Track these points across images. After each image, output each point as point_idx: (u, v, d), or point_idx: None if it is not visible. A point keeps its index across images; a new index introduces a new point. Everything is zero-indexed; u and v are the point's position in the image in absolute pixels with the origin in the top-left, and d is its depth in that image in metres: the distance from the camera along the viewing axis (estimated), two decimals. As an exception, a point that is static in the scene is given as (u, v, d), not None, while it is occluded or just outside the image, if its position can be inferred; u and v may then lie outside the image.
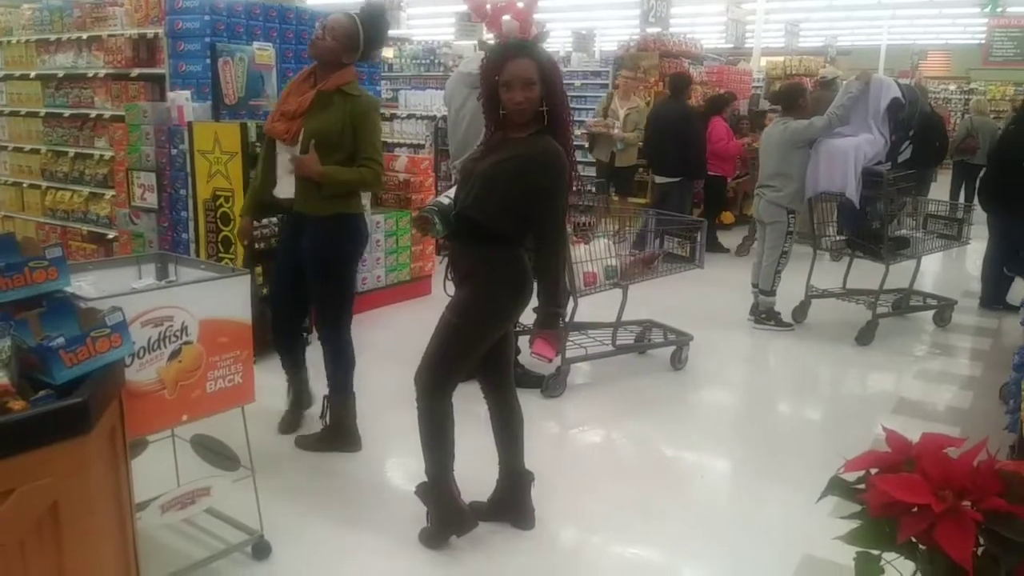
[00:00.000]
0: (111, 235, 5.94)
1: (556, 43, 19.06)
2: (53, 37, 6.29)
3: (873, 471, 1.62)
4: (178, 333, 2.38)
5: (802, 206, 5.52)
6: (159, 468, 2.85)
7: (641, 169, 8.63)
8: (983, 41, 18.25)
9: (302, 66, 5.63)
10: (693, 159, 7.34)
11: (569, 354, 4.43)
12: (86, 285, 2.48)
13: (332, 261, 3.47)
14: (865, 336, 5.31)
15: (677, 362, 4.78)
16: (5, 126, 6.93)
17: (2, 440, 1.68)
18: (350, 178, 3.35)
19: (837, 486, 1.65)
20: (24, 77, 6.60)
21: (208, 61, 4.88)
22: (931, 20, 20.98)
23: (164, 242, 5.02)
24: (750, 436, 4.05)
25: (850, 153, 5.14)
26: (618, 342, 4.63)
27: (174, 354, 2.37)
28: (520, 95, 2.53)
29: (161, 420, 2.42)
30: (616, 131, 7.97)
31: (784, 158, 5.37)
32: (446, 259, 2.89)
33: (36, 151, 6.69)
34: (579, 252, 4.35)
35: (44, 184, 6.65)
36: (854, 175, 5.14)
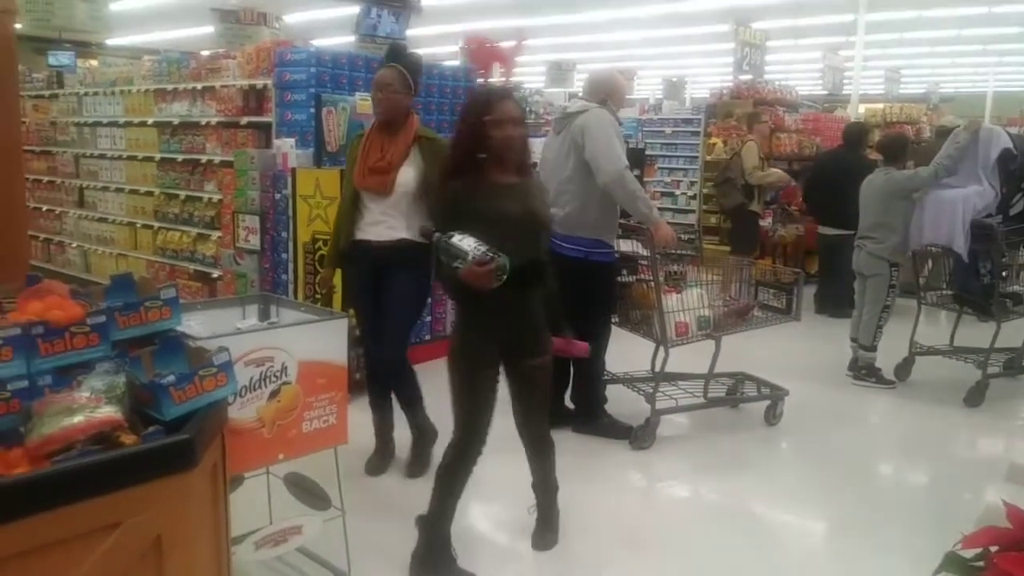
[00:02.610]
0: (216, 274, 6.21)
1: (646, 90, 19.15)
2: (170, 87, 6.70)
3: (993, 548, 1.51)
4: (278, 373, 2.45)
5: (905, 259, 5.32)
6: (253, 504, 2.92)
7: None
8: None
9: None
10: None
11: (659, 405, 4.35)
12: (195, 324, 2.59)
13: (423, 287, 3.73)
14: (974, 397, 5.02)
15: (771, 417, 4.63)
16: (123, 169, 7.37)
17: (112, 474, 1.75)
18: None
19: (953, 563, 1.55)
20: (142, 124, 7.03)
21: (312, 110, 5.10)
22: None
23: (265, 282, 5.21)
24: (848, 498, 3.87)
25: (958, 205, 4.93)
26: (710, 395, 4.52)
27: (274, 394, 2.45)
28: (512, 132, 2.68)
29: (259, 458, 2.48)
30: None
31: (886, 208, 5.19)
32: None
33: (150, 193, 7.08)
34: (671, 302, 4.29)
35: (156, 224, 7.03)
36: (962, 228, 4.92)
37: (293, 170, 4.84)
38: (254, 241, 5.20)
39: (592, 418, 4.44)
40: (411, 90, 3.62)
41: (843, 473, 4.21)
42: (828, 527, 3.64)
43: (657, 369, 4.44)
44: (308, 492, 2.84)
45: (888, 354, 5.44)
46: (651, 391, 4.37)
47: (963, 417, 4.94)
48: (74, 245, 8.15)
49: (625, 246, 4.35)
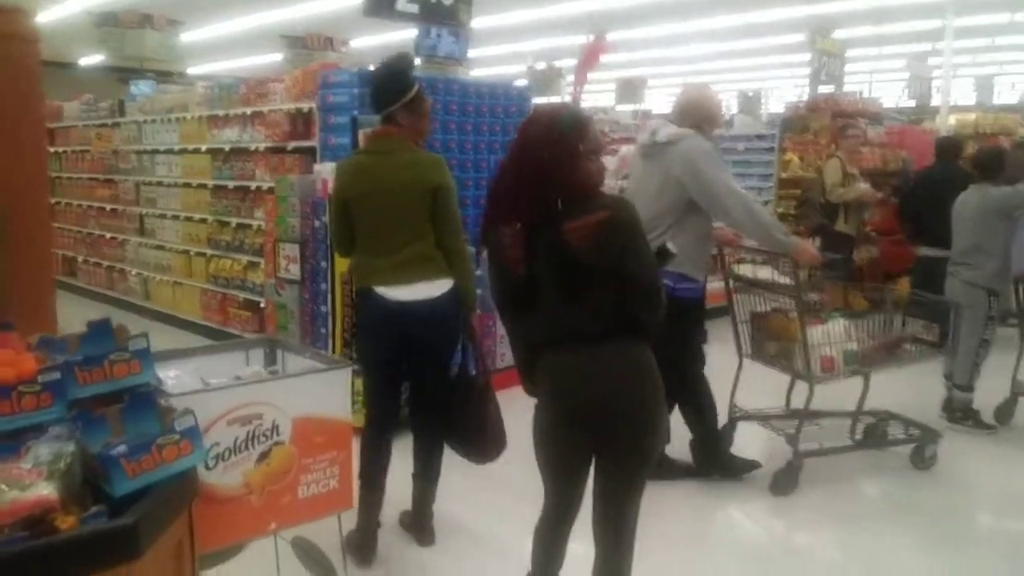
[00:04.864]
0: (263, 303, 6.05)
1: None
2: (222, 113, 6.62)
3: None
4: (268, 432, 2.17)
5: (1007, 286, 4.72)
6: (261, 566, 2.62)
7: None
8: None
9: (451, 138, 5.60)
10: None
11: (804, 447, 3.96)
12: (184, 374, 2.33)
13: None
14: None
15: (920, 461, 4.18)
16: (179, 196, 7.34)
17: (39, 565, 1.48)
18: None
19: None
20: (196, 151, 6.97)
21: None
22: None
23: (305, 313, 4.99)
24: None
25: (1068, 226, 4.35)
26: (859, 436, 4.15)
27: (263, 456, 2.16)
28: (600, 164, 2.17)
29: (245, 529, 2.19)
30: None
31: (984, 230, 4.62)
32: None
33: (204, 220, 7.02)
34: (816, 334, 3.89)
35: (209, 252, 6.95)
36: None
37: (330, 196, 4.60)
38: (294, 271, 4.99)
39: (713, 456, 4.09)
40: None
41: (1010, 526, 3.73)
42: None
43: (801, 407, 4.04)
44: (315, 561, 2.54)
45: (987, 394, 4.84)
46: (793, 431, 3.99)
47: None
48: (134, 273, 8.17)
49: (763, 272, 4.01)
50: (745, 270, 4.10)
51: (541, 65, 15.43)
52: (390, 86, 3.14)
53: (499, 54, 15.93)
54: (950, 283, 4.80)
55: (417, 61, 6.81)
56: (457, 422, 3.23)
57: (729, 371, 4.27)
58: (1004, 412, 4.91)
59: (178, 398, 1.96)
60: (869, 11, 12.27)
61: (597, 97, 18.64)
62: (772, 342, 4.05)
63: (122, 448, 1.70)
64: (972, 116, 14.87)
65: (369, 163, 3.17)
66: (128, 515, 1.61)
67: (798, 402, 4.26)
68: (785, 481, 3.93)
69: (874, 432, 4.34)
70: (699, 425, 4.03)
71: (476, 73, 12.45)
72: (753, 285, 4.07)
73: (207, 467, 2.02)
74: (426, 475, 3.37)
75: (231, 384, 2.21)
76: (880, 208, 8.27)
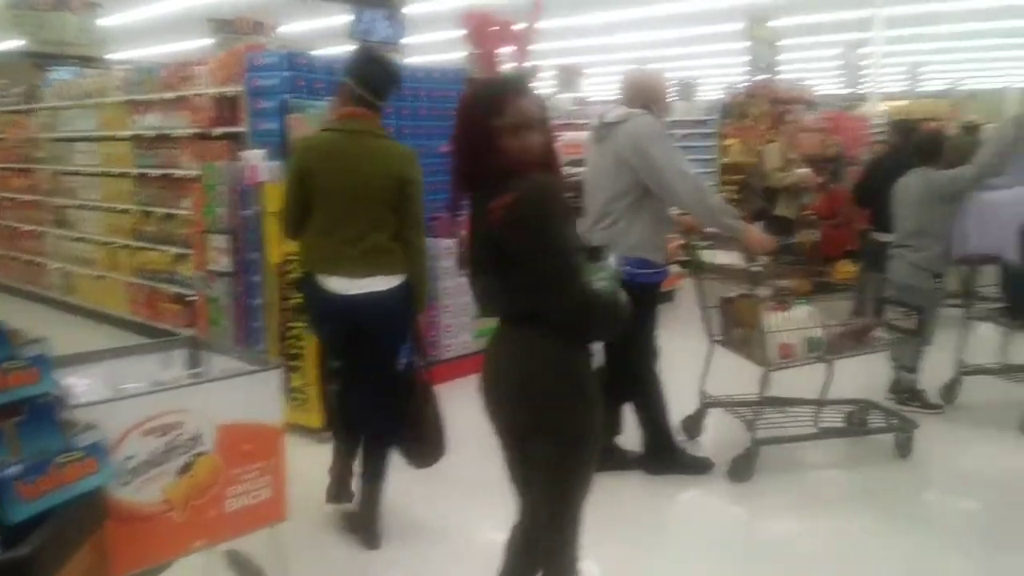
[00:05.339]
0: (193, 297, 5.75)
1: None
2: (143, 97, 6.25)
3: None
4: (190, 442, 1.96)
5: (949, 268, 4.75)
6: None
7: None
8: None
9: (388, 123, 5.36)
10: None
11: (762, 434, 3.88)
12: (97, 381, 2.10)
13: None
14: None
15: (905, 451, 4.12)
16: (99, 186, 6.94)
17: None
18: None
19: None
20: (117, 137, 6.59)
21: (286, 118, 4.62)
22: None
23: (238, 307, 4.73)
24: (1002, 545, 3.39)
25: (1008, 208, 4.37)
26: (825, 424, 4.03)
27: (185, 468, 1.95)
28: (534, 139, 1.96)
29: (168, 548, 1.98)
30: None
31: (927, 214, 4.62)
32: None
33: (127, 211, 6.65)
34: (776, 320, 3.80)
35: (134, 243, 6.59)
36: (1012, 234, 4.35)
37: (260, 184, 4.36)
38: (225, 262, 4.72)
39: (665, 455, 3.96)
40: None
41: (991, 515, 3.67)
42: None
43: (749, 394, 3.99)
44: (250, 574, 2.34)
45: (932, 374, 4.86)
46: (751, 417, 3.91)
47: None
48: (55, 266, 7.73)
49: (724, 258, 3.92)
50: (709, 255, 4.01)
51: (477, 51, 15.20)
52: (396, 77, 3.19)
53: (436, 41, 15.66)
54: (895, 265, 4.80)
55: (348, 47, 6.58)
56: (398, 421, 3.14)
57: (694, 357, 4.21)
58: (949, 392, 4.94)
59: (85, 408, 1.74)
60: (801, 0, 12.42)
61: (537, 86, 18.49)
62: (738, 328, 3.97)
63: (15, 469, 1.49)
64: (903, 103, 15.26)
65: (339, 141, 3.07)
66: (25, 545, 1.40)
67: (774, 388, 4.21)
68: (742, 468, 3.87)
69: (853, 420, 4.28)
70: (650, 424, 3.93)
71: (412, 61, 12.18)
72: (714, 271, 3.99)
73: (121, 483, 1.81)
74: (369, 474, 3.23)
75: (146, 390, 1.99)
76: (819, 192, 8.35)
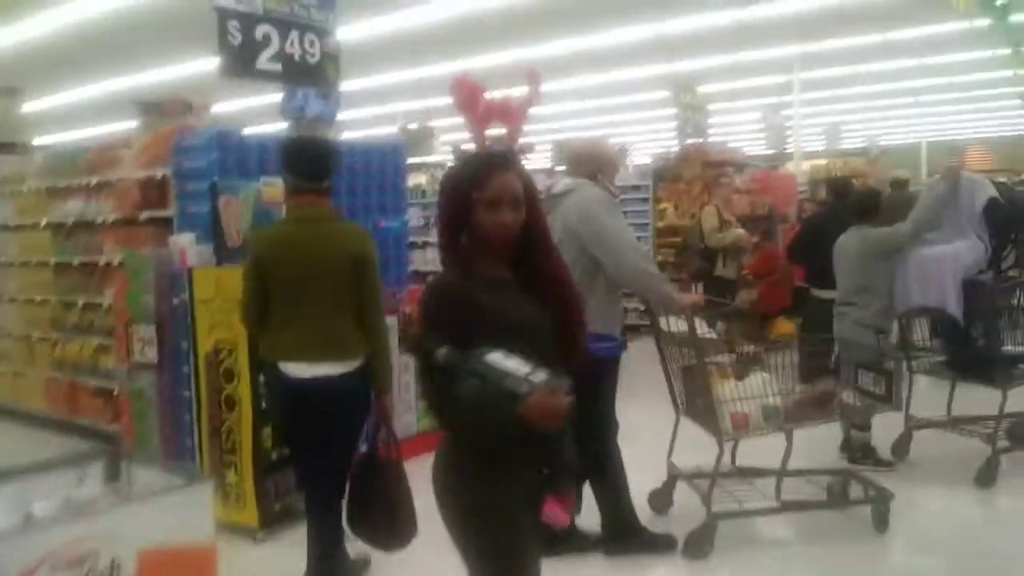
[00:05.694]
0: (116, 390, 5.41)
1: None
2: (63, 183, 5.99)
3: None
4: (105, 573, 1.72)
5: (891, 324, 4.78)
6: None
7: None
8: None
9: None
10: None
11: (718, 507, 3.73)
12: (3, 502, 1.86)
13: None
14: (985, 477, 4.44)
15: (883, 524, 3.93)
16: (16, 276, 6.58)
17: None
18: None
19: None
20: (35, 226, 6.28)
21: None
22: (971, 115, 20.54)
23: (164, 400, 4.45)
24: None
25: (947, 263, 4.44)
26: (789, 497, 3.86)
27: (101, 604, 1.71)
28: (510, 216, 1.94)
29: None
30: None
31: (867, 271, 4.66)
32: None
33: (46, 302, 6.30)
34: (725, 390, 3.71)
35: (54, 335, 6.23)
36: (953, 287, 4.41)
37: (189, 270, 4.15)
38: (151, 353, 4.45)
39: (625, 535, 3.77)
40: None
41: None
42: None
43: (724, 465, 3.85)
44: None
45: (882, 431, 4.83)
46: (707, 491, 3.76)
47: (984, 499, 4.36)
48: (-32, 365, 7.24)
49: (678, 326, 3.81)
50: (667, 324, 3.90)
51: (413, 125, 15.30)
52: (329, 156, 3.20)
53: (368, 116, 15.70)
54: (839, 323, 4.81)
55: (284, 124, 6.48)
56: (363, 506, 3.09)
57: (658, 427, 4.14)
58: (900, 447, 4.93)
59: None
60: (724, 68, 12.88)
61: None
62: (699, 398, 3.87)
63: None
64: (824, 161, 15.84)
65: (295, 232, 3.15)
66: None
67: (743, 460, 4.13)
68: (699, 543, 3.72)
69: (834, 491, 4.15)
70: (610, 503, 3.76)
71: (347, 136, 12.14)
72: (673, 340, 3.89)
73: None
74: (318, 556, 3.18)
75: (54, 519, 1.75)
76: (754, 252, 8.47)
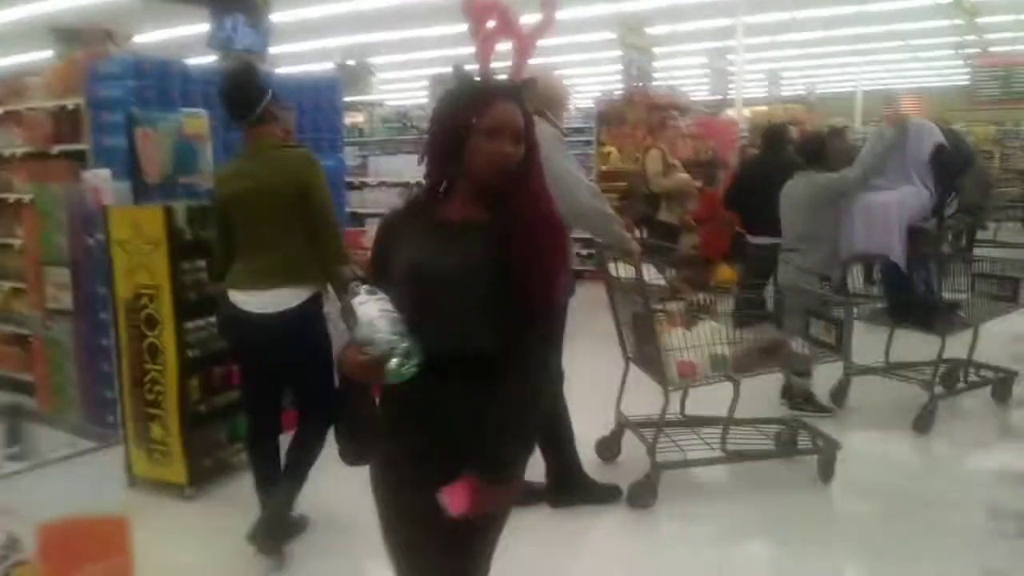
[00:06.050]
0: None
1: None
2: (-33, 115, 5.51)
3: None
4: (2, 550, 1.53)
5: (836, 271, 4.77)
6: None
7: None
8: (968, 82, 17.96)
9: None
10: None
11: (663, 457, 3.68)
12: None
13: None
14: (923, 423, 4.51)
15: (829, 474, 3.90)
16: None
17: None
18: None
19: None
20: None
21: (134, 133, 4.11)
22: (905, 64, 20.84)
23: (82, 349, 4.16)
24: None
25: (892, 209, 4.41)
26: (743, 446, 3.85)
27: (-5, 584, 1.53)
28: (510, 147, 1.73)
29: None
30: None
31: (812, 218, 4.62)
32: None
33: (-48, 243, 5.84)
34: (673, 338, 3.64)
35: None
36: (898, 234, 4.40)
37: (105, 208, 3.83)
38: (65, 299, 4.16)
39: (570, 487, 3.70)
40: None
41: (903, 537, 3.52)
42: None
43: (669, 414, 3.79)
44: None
45: (821, 377, 4.86)
46: (652, 440, 3.70)
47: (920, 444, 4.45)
48: None
49: (627, 271, 3.68)
50: (617, 270, 3.77)
51: (351, 61, 14.74)
52: (248, 90, 3.12)
53: (303, 50, 15.06)
54: (783, 270, 4.78)
55: (211, 57, 6.09)
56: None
57: (609, 375, 4.06)
58: (839, 393, 4.97)
59: None
60: (670, 9, 12.68)
61: (409, 98, 18.20)
62: (647, 345, 3.78)
63: None
64: (765, 107, 15.89)
65: (243, 166, 3.14)
66: None
67: (692, 408, 4.11)
68: (641, 493, 3.68)
69: (782, 440, 4.13)
70: (554, 454, 3.68)
71: (280, 71, 11.60)
72: (623, 287, 3.77)
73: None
74: (291, 472, 3.14)
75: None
76: (698, 197, 8.43)
